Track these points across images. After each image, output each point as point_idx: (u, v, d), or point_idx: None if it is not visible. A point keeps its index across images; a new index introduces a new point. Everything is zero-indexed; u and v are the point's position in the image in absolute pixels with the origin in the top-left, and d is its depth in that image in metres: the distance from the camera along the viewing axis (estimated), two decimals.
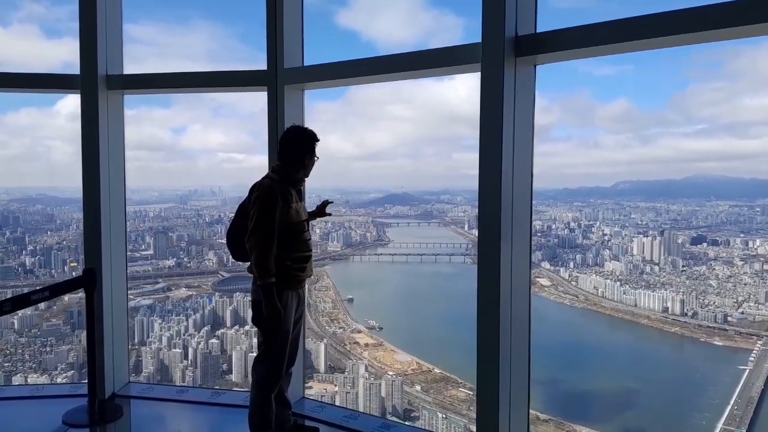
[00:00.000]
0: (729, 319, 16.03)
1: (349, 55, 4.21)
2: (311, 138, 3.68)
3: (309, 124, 4.10)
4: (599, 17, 3.28)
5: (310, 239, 3.73)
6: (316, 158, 3.71)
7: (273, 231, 3.42)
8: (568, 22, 3.40)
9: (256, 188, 3.51)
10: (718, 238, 18.17)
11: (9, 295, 3.97)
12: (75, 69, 4.73)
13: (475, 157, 3.57)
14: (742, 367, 15.01)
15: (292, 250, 3.55)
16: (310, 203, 3.96)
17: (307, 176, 3.75)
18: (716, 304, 16.44)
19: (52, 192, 22.99)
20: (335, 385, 16.83)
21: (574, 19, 3.39)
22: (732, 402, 14.13)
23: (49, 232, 19.96)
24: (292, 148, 3.62)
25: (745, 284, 16.78)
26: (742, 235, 18.09)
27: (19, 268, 18.67)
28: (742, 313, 16.07)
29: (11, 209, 20.86)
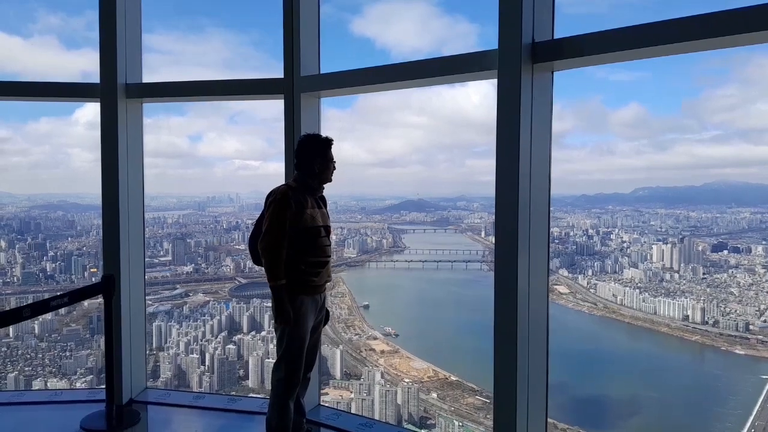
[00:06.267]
0: (751, 327, 15.78)
1: (363, 63, 4.19)
2: (319, 143, 3.72)
3: (322, 131, 4.12)
4: (614, 23, 3.25)
5: (328, 245, 3.74)
6: (332, 163, 3.73)
7: (283, 234, 3.47)
8: (583, 29, 3.38)
9: (271, 194, 3.58)
10: (739, 246, 17.89)
11: (30, 300, 4.02)
12: (94, 78, 4.80)
13: (488, 163, 3.56)
14: (764, 377, 14.75)
15: (307, 254, 3.58)
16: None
17: (325, 182, 3.76)
18: (738, 312, 16.19)
19: (73, 198, 23.33)
20: (351, 392, 16.79)
21: (589, 25, 3.37)
22: (754, 413, 13.88)
23: (69, 238, 20.22)
24: (302, 157, 3.70)
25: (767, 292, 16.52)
26: (764, 242, 17.81)
27: (40, 274, 18.92)
28: (765, 321, 15.80)
29: (33, 215, 21.18)
